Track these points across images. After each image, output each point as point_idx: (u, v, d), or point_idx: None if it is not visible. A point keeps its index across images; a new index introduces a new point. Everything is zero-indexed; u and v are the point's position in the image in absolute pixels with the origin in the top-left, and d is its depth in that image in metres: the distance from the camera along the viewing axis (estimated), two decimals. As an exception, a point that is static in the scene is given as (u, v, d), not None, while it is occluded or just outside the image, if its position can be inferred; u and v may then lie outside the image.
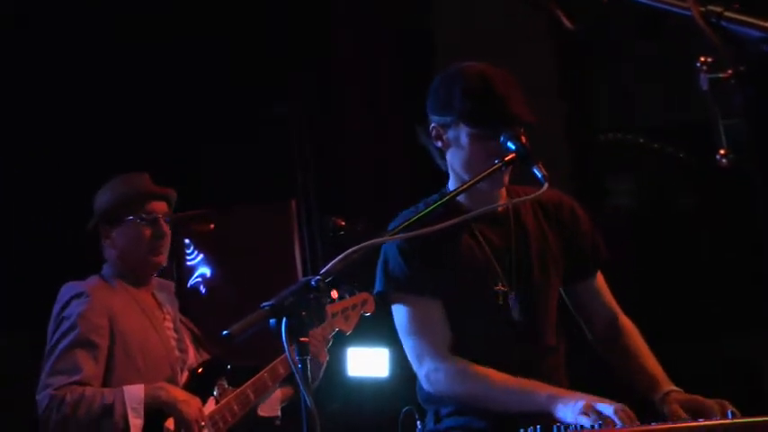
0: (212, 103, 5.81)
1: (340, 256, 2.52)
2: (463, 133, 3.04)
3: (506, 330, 3.09)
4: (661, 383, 3.09)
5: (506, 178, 3.08)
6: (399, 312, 3.14)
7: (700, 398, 2.97)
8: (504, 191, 3.15)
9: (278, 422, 4.19)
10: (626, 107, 6.35)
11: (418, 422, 3.10)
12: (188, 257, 5.61)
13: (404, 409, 3.08)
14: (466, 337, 3.09)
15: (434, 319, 3.09)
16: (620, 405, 2.75)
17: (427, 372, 3.07)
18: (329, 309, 4.20)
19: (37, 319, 4.10)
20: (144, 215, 4.06)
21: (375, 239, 2.62)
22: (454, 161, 3.11)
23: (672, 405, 2.98)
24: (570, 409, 2.81)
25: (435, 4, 6.22)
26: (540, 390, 2.94)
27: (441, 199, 2.91)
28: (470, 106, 3.00)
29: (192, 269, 5.60)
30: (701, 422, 2.73)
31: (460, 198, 3.09)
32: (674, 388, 3.06)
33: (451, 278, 3.10)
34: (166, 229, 4.10)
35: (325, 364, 4.15)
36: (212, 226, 5.65)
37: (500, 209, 3.16)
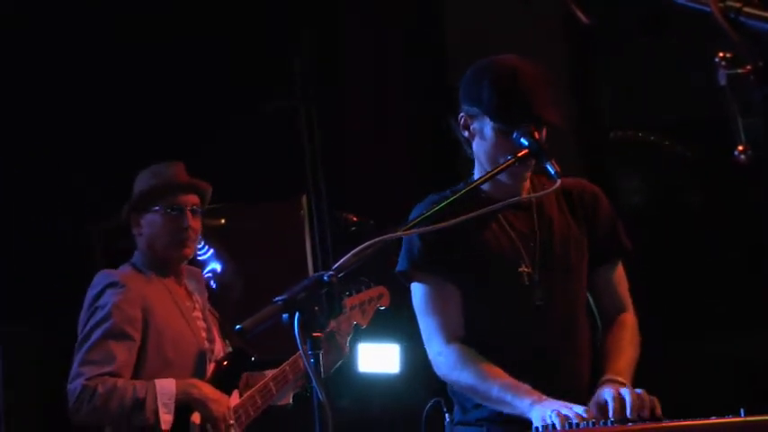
0: (221, 99, 5.81)
1: (353, 251, 2.53)
2: (488, 126, 3.07)
3: (528, 314, 3.11)
4: (607, 370, 3.08)
5: (528, 173, 3.11)
6: (417, 292, 3.18)
7: (610, 387, 2.95)
8: (527, 184, 3.18)
9: (290, 407, 4.20)
10: (632, 104, 6.34)
11: (446, 414, 3.11)
12: (199, 252, 5.61)
13: (432, 401, 3.09)
14: (488, 320, 3.11)
15: (448, 302, 3.12)
16: (581, 410, 2.78)
17: (433, 354, 3.14)
18: (347, 302, 4.22)
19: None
20: (172, 206, 4.05)
21: (389, 234, 2.61)
22: (479, 151, 3.14)
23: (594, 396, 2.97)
24: (540, 413, 2.84)
25: (444, 2, 6.21)
26: (525, 395, 2.94)
27: (466, 187, 2.93)
28: (495, 101, 3.03)
29: (203, 264, 5.61)
30: (707, 420, 2.71)
31: (485, 187, 3.13)
32: (611, 377, 3.03)
33: (475, 260, 3.12)
34: (192, 221, 4.07)
35: (344, 357, 4.16)
36: (223, 221, 5.66)
37: (523, 200, 3.18)
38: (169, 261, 4.09)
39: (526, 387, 2.97)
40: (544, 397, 2.93)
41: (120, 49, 5.71)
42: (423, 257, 3.13)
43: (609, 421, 2.78)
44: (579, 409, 2.81)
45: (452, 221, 2.69)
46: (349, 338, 4.20)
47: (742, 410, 2.78)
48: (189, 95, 5.77)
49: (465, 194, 2.93)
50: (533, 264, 3.13)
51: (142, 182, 4.11)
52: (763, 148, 1.62)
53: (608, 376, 3.05)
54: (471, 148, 3.19)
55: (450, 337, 3.10)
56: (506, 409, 2.97)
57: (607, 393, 2.89)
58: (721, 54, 1.50)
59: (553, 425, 2.74)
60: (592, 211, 3.25)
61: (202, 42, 5.82)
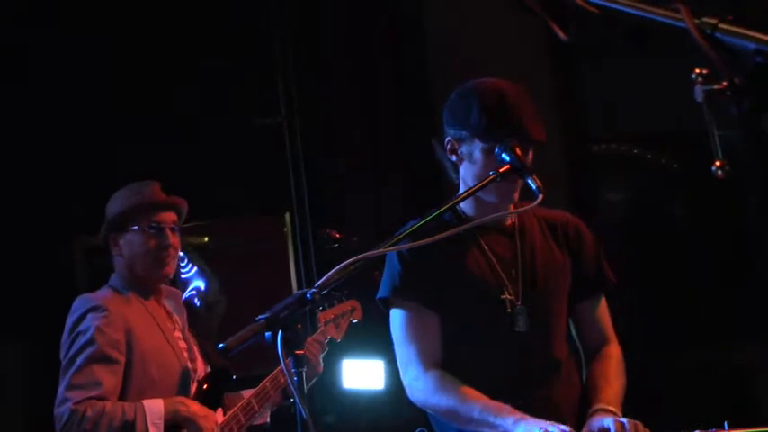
0: (206, 115, 5.81)
1: (336, 268, 2.53)
2: (477, 149, 3.07)
3: (510, 341, 3.10)
4: (597, 401, 3.09)
5: (516, 194, 3.09)
6: (395, 319, 3.17)
7: (603, 416, 2.97)
8: (512, 207, 3.16)
9: (267, 426, 4.19)
10: (615, 118, 6.36)
11: None
12: (182, 270, 5.60)
13: (417, 430, 3.09)
14: (468, 347, 3.10)
15: (427, 329, 3.11)
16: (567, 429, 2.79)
17: (409, 380, 3.12)
18: (321, 316, 4.23)
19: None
20: (150, 225, 4.03)
21: (372, 251, 2.62)
22: (467, 175, 3.13)
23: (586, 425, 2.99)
24: (526, 430, 2.85)
25: (427, 17, 6.22)
26: (508, 414, 2.95)
27: (446, 205, 2.93)
28: (485, 123, 3.04)
29: (186, 282, 5.59)
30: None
31: (469, 211, 3.14)
32: (603, 406, 3.05)
33: (456, 287, 3.12)
34: (172, 239, 4.06)
35: (318, 375, 4.16)
36: (207, 239, 5.65)
37: (507, 222, 3.19)
38: (150, 281, 4.07)
39: (508, 407, 2.97)
40: (527, 416, 2.93)
41: (105, 64, 5.71)
42: (402, 284, 3.12)
43: None
44: (565, 428, 2.81)
45: (434, 238, 2.69)
46: (323, 354, 4.20)
47: (726, 423, 2.79)
48: (172, 112, 5.77)
49: (447, 219, 2.96)
50: (515, 291, 3.13)
51: (118, 202, 4.09)
52: (742, 163, 1.63)
53: (600, 405, 3.05)
54: (457, 172, 3.18)
55: (429, 363, 3.09)
56: (488, 431, 2.96)
57: (608, 421, 2.90)
58: (697, 70, 1.51)
59: None
60: (577, 245, 3.25)
61: (187, 57, 5.82)
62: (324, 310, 4.26)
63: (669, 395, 3.13)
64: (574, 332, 3.30)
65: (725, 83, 1.50)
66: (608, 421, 2.90)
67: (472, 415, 2.99)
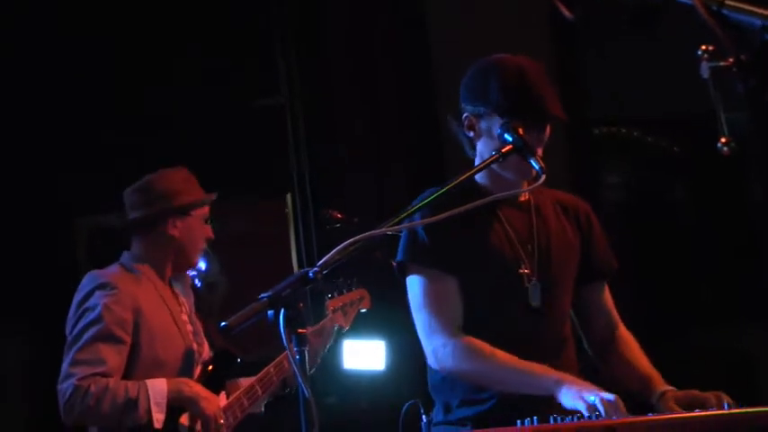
0: (207, 97, 5.80)
1: (338, 248, 2.53)
2: (497, 125, 3.07)
3: (525, 314, 3.11)
4: (656, 384, 3.12)
5: (534, 172, 3.06)
6: (414, 285, 3.15)
7: (695, 392, 2.99)
8: (527, 184, 3.15)
9: (261, 414, 4.19)
10: (617, 100, 6.36)
11: (423, 416, 3.11)
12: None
13: (408, 403, 3.07)
14: (481, 317, 3.10)
15: (449, 295, 3.10)
16: (610, 396, 2.77)
17: (435, 347, 3.08)
18: (330, 304, 4.23)
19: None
20: (205, 217, 4.13)
21: (374, 230, 2.61)
22: (485, 151, 3.13)
23: (668, 402, 3.01)
24: (572, 394, 2.84)
25: (427, 1, 6.21)
26: (547, 373, 2.96)
27: (458, 178, 2.92)
28: (505, 98, 3.05)
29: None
30: (697, 413, 2.74)
31: (486, 184, 3.16)
32: (670, 387, 3.08)
33: (476, 258, 3.12)
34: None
35: (316, 365, 4.16)
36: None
37: (521, 197, 3.20)
38: (187, 266, 4.13)
39: (546, 367, 2.98)
40: (568, 376, 2.94)
41: (104, 45, 5.69)
42: (424, 249, 3.11)
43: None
44: (610, 396, 2.78)
45: (444, 215, 2.69)
46: (330, 342, 4.22)
47: (725, 404, 2.80)
48: (173, 93, 5.76)
49: (466, 191, 2.96)
50: (531, 266, 3.13)
51: (176, 185, 4.08)
52: (748, 142, 1.62)
53: (667, 387, 3.08)
54: (474, 148, 3.19)
55: (455, 329, 3.08)
56: (527, 389, 2.96)
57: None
58: (704, 47, 1.50)
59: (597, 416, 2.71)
60: (588, 228, 3.28)
61: (185, 39, 5.81)
62: (333, 298, 4.27)
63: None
64: (576, 316, 3.31)
65: (731, 60, 1.49)
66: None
67: (510, 376, 3.00)
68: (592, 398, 2.78)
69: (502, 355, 3.02)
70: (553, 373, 2.96)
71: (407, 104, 6.02)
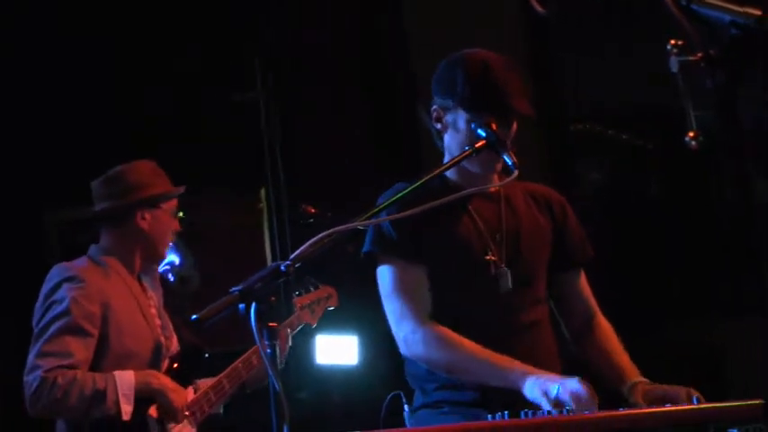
0: (181, 92, 5.79)
1: (311, 241, 2.54)
2: (461, 118, 3.11)
3: (493, 301, 3.12)
4: (629, 375, 3.13)
5: (499, 165, 3.11)
6: (384, 274, 3.17)
7: (665, 386, 3.01)
8: (496, 176, 3.19)
9: (221, 417, 4.18)
10: (591, 95, 6.37)
11: (406, 405, 3.11)
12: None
13: (390, 394, 3.08)
14: (451, 306, 3.11)
15: (418, 283, 3.12)
16: (574, 386, 2.79)
17: (405, 334, 3.10)
18: (297, 301, 4.24)
19: None
20: (173, 209, 4.12)
21: (347, 225, 2.62)
22: (451, 143, 3.17)
23: (636, 395, 3.02)
24: (535, 387, 2.85)
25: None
26: (513, 366, 2.97)
27: (428, 175, 2.93)
28: (470, 92, 3.07)
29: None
30: (666, 408, 2.76)
31: (454, 177, 3.17)
32: (641, 379, 3.10)
33: (442, 248, 3.13)
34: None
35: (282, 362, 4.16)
36: (181, 213, 5.63)
37: (491, 189, 3.21)
38: (157, 259, 4.11)
39: (514, 360, 2.98)
40: (533, 369, 2.95)
41: (82, 40, 5.67)
42: (392, 239, 3.12)
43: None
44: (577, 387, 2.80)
45: (412, 210, 2.72)
46: (292, 335, 4.22)
47: (695, 398, 2.81)
48: (148, 88, 5.74)
49: (434, 185, 2.99)
50: (500, 253, 3.15)
51: (146, 178, 4.06)
52: (716, 137, 1.63)
53: (639, 379, 3.10)
54: (442, 140, 3.21)
55: (424, 317, 3.09)
56: (493, 382, 2.97)
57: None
58: (673, 41, 1.51)
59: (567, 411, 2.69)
60: (562, 217, 3.30)
61: (163, 34, 5.79)
62: (300, 295, 4.27)
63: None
64: (555, 304, 3.33)
65: (700, 54, 1.50)
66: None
67: (478, 368, 3.01)
68: (554, 389, 2.80)
69: (470, 345, 3.03)
70: (518, 366, 2.96)
71: (383, 101, 6.03)
